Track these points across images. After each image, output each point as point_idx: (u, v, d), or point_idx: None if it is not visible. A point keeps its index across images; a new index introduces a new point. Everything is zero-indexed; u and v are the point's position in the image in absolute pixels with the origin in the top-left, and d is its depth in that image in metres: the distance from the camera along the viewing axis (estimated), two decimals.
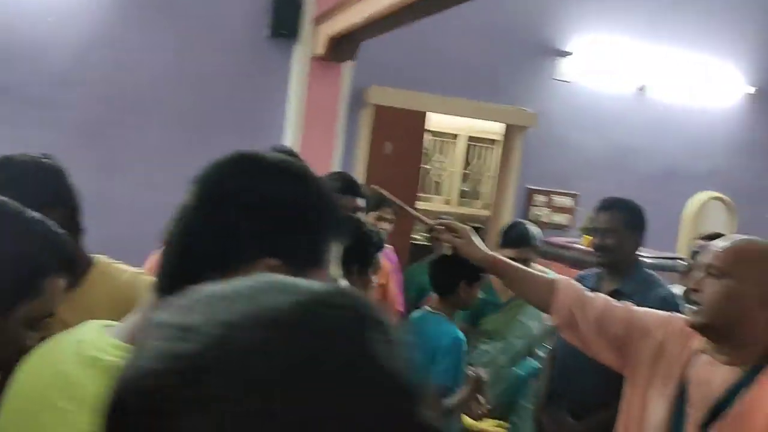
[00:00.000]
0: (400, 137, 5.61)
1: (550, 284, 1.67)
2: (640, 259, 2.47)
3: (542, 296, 1.67)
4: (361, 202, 2.47)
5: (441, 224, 1.74)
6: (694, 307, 1.42)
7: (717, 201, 4.58)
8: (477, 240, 1.69)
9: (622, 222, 2.36)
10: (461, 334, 2.30)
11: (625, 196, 2.54)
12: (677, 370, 1.49)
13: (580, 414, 2.35)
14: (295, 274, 0.67)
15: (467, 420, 2.41)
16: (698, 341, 1.49)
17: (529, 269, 1.74)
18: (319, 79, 3.45)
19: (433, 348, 2.26)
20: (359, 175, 3.89)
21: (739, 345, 1.38)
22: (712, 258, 1.40)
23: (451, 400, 2.24)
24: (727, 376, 1.39)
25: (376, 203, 3.16)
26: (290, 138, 3.51)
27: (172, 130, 3.59)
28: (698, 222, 4.52)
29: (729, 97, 4.64)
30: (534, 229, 2.95)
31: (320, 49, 3.32)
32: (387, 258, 3.58)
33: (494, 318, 2.63)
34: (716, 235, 2.62)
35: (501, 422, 2.58)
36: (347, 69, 3.59)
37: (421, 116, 5.98)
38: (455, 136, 7.97)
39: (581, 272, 2.62)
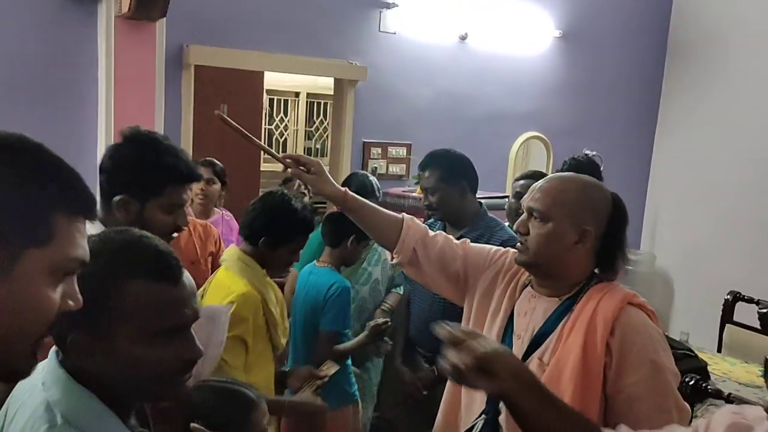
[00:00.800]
0: (236, 98, 5.38)
1: (398, 223, 1.69)
2: (482, 204, 2.54)
3: (389, 235, 1.69)
4: None
5: (289, 157, 1.67)
6: (521, 246, 1.50)
7: (536, 140, 4.93)
8: (327, 174, 1.65)
9: (440, 178, 2.42)
10: (347, 282, 2.43)
11: (456, 142, 2.61)
12: (507, 303, 1.58)
13: (435, 360, 2.45)
14: (10, 253, 0.66)
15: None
16: (525, 275, 1.58)
17: (379, 207, 1.73)
18: (128, 40, 3.16)
19: (323, 297, 2.39)
20: (188, 139, 3.68)
21: (559, 278, 1.49)
22: (533, 202, 1.47)
23: (348, 345, 2.38)
24: (547, 307, 1.49)
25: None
26: (104, 105, 3.22)
27: None
28: (522, 161, 4.85)
29: (540, 41, 4.96)
30: (373, 179, 3.02)
31: (125, 7, 3.04)
32: (227, 224, 3.47)
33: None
34: (533, 174, 2.80)
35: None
36: (161, 28, 3.34)
37: (258, 76, 5.76)
38: (297, 94, 7.85)
39: (428, 221, 2.69)
